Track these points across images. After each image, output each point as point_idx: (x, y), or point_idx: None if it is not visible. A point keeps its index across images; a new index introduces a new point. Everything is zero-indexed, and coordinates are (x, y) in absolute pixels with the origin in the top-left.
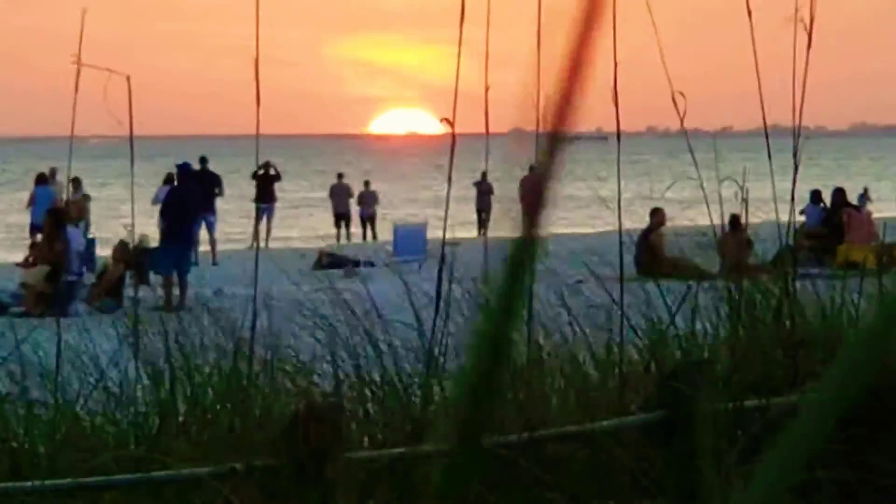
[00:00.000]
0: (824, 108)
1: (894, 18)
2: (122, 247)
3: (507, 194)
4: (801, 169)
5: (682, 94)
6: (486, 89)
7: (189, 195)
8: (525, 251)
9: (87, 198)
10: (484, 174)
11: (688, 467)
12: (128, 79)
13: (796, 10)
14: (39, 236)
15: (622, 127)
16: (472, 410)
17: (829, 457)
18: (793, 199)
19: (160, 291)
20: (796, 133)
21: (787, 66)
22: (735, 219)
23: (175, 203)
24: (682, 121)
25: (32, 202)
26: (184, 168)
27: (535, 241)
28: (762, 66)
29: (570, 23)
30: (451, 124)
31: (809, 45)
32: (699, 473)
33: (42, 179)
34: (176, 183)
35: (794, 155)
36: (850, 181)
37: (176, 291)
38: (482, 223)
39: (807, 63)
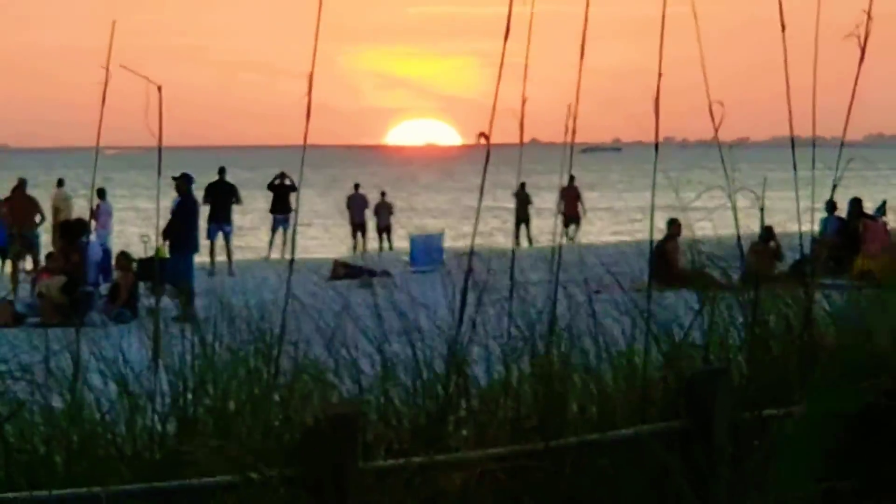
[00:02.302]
0: (841, 118)
1: None
2: (123, 257)
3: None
4: (823, 180)
5: (721, 103)
6: (524, 101)
7: (194, 205)
8: None
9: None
10: (522, 184)
11: (706, 475)
12: (159, 89)
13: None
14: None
15: (640, 138)
16: None
17: (848, 468)
18: (831, 208)
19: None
20: (840, 145)
21: (810, 79)
22: (768, 229)
23: (185, 214)
24: (716, 131)
25: None
26: (186, 178)
27: None
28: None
29: None
30: (487, 138)
31: (862, 60)
32: (717, 481)
33: None
34: (179, 194)
35: (837, 167)
36: (869, 191)
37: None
38: (519, 232)
39: (857, 77)
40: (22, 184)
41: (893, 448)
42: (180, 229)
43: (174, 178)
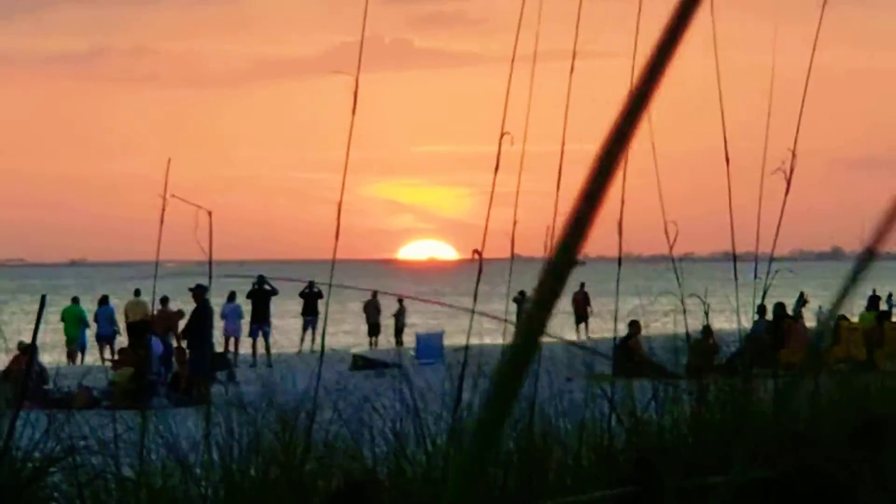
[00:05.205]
0: (770, 237)
1: (824, 161)
2: (181, 352)
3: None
4: (755, 288)
5: (674, 223)
6: (514, 223)
7: (208, 311)
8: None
9: (180, 313)
10: (522, 292)
11: None
12: (209, 214)
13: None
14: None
15: (602, 253)
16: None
17: None
18: (761, 313)
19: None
20: (769, 259)
21: (748, 204)
22: (707, 328)
23: (200, 318)
24: (671, 248)
25: (96, 319)
26: (200, 288)
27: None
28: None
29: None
30: (480, 254)
31: (787, 191)
32: None
33: (104, 301)
34: (196, 301)
35: (767, 276)
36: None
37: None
38: None
39: (784, 204)
40: (164, 300)
41: None
42: (196, 331)
43: (190, 290)
